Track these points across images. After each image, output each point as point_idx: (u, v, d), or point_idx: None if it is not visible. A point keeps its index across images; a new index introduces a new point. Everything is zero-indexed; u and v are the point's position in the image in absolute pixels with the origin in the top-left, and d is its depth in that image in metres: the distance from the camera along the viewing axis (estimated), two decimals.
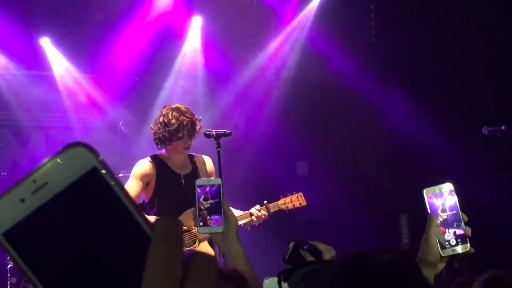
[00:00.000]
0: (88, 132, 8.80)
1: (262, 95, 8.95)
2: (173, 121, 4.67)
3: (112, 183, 0.65)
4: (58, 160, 0.65)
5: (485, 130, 5.88)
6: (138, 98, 8.85)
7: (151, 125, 4.85)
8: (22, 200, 0.63)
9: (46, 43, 8.56)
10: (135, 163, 7.71)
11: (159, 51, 8.70)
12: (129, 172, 7.18)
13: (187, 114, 4.70)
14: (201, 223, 2.09)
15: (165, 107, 4.85)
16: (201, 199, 2.10)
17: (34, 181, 0.64)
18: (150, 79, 8.88)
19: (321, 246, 2.05)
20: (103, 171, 0.66)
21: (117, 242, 0.64)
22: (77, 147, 0.66)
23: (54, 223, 0.64)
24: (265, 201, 4.82)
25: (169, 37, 8.77)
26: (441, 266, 1.93)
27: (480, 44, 7.78)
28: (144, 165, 4.82)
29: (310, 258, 2.03)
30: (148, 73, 8.86)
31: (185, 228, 4.69)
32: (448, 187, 1.96)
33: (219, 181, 2.14)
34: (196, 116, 4.78)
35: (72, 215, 0.64)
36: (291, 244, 2.16)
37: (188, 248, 4.67)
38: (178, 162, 4.82)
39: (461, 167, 7.35)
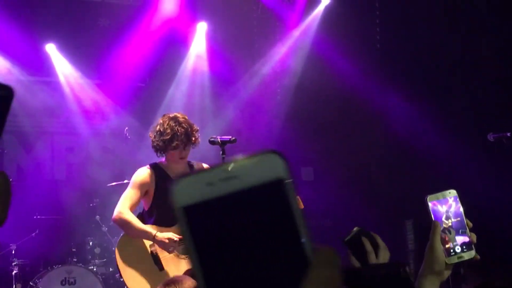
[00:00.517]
0: (93, 137, 8.81)
1: (267, 101, 8.96)
2: (168, 130, 4.67)
3: (292, 199, 0.69)
4: (253, 160, 0.69)
5: (490, 137, 5.86)
6: (143, 104, 8.86)
7: (149, 133, 4.85)
8: (210, 184, 0.69)
9: (51, 49, 8.59)
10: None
11: (164, 57, 8.72)
12: None
13: (183, 125, 4.69)
14: None
15: (163, 116, 4.85)
16: None
17: (226, 170, 0.69)
18: (155, 85, 8.90)
19: (380, 242, 2.04)
20: (288, 184, 0.69)
21: (277, 253, 0.68)
22: (274, 154, 0.70)
23: (230, 215, 0.68)
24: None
25: (174, 43, 8.79)
26: (447, 273, 1.91)
27: (486, 50, 7.77)
28: (142, 174, 4.83)
29: (369, 247, 2.01)
30: (153, 79, 8.88)
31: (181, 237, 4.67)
32: (452, 193, 1.95)
33: None
34: (194, 126, 4.76)
35: (247, 214, 0.68)
36: (355, 229, 2.15)
37: (185, 256, 4.65)
38: (177, 170, 4.80)
39: (467, 174, 7.33)
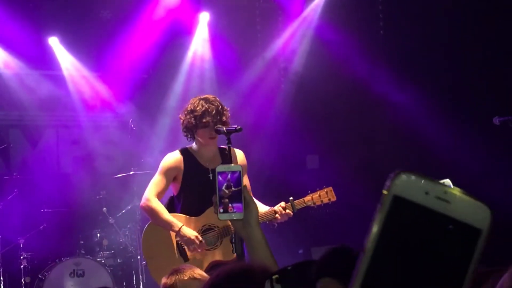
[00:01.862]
0: (98, 130, 8.83)
1: (271, 90, 8.94)
2: (199, 107, 4.65)
3: (478, 253, 0.74)
4: (469, 199, 0.74)
5: (496, 120, 5.84)
6: (147, 95, 8.87)
7: (180, 115, 4.82)
8: (426, 193, 0.74)
9: (54, 42, 8.59)
10: (145, 161, 7.78)
11: (167, 48, 8.71)
12: (140, 170, 7.25)
13: (214, 103, 4.68)
14: (221, 210, 2.08)
15: (194, 97, 4.85)
16: (223, 187, 2.08)
17: (445, 192, 0.74)
18: (159, 76, 8.89)
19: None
20: (485, 239, 0.74)
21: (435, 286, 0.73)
22: (489, 209, 0.75)
23: (425, 231, 0.73)
24: (291, 198, 4.67)
25: (177, 33, 8.78)
26: None
27: (491, 33, 7.74)
28: (170, 159, 4.77)
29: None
30: (157, 70, 8.87)
31: (208, 226, 4.67)
32: (446, 183, 1.97)
33: (239, 167, 2.12)
34: (225, 107, 4.75)
35: (438, 240, 0.73)
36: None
37: (211, 247, 4.65)
38: (207, 156, 4.75)
39: (472, 158, 7.32)
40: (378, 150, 8.44)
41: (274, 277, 1.65)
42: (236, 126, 4.63)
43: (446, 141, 7.77)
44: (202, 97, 4.78)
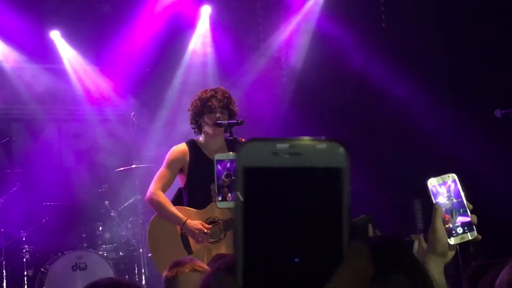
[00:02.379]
0: (99, 123, 8.83)
1: (273, 83, 8.94)
2: (206, 94, 4.69)
3: (345, 190, 0.72)
4: (319, 143, 0.73)
5: (498, 113, 5.83)
6: (149, 88, 8.87)
7: (188, 107, 4.82)
8: (275, 153, 0.71)
9: (56, 36, 8.59)
10: (147, 154, 7.79)
11: (168, 41, 8.70)
12: (141, 164, 7.26)
13: (222, 91, 4.72)
14: (219, 198, 2.08)
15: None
16: (222, 176, 2.08)
17: (293, 145, 0.71)
18: (160, 69, 8.88)
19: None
20: (346, 176, 0.72)
21: (316, 238, 0.70)
22: (338, 144, 0.73)
23: (285, 188, 0.70)
24: None
25: (178, 27, 8.77)
26: (451, 254, 1.94)
27: (493, 25, 7.71)
28: (175, 151, 4.79)
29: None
30: (158, 63, 8.86)
31: (212, 219, 4.68)
32: (451, 177, 1.99)
33: None
34: (233, 98, 4.76)
35: (301, 192, 0.70)
36: (364, 216, 2.17)
37: (213, 240, 4.65)
38: (213, 148, 4.71)
39: (473, 150, 7.31)
40: (379, 144, 8.44)
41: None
42: (237, 119, 4.63)
43: (447, 135, 7.76)
44: (211, 87, 4.83)
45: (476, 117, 7.50)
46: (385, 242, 1.07)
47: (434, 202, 1.96)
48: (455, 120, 7.73)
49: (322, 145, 0.72)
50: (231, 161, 2.08)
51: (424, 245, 2.03)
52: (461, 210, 1.96)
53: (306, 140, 0.72)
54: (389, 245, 1.04)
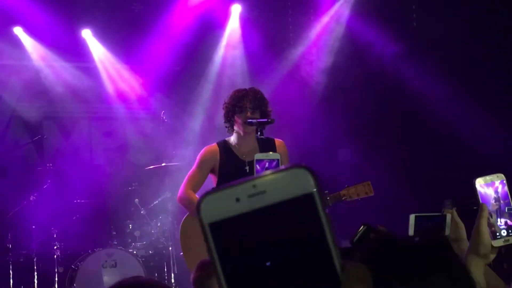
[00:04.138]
0: (130, 122, 8.88)
1: (302, 83, 8.89)
2: (238, 93, 4.69)
3: (322, 214, 0.68)
4: (282, 175, 0.68)
5: None
6: (179, 87, 8.89)
7: (222, 106, 4.81)
8: (237, 200, 0.68)
9: (87, 34, 8.66)
10: (177, 153, 7.81)
11: (198, 40, 8.71)
12: (171, 162, 7.28)
13: (254, 91, 4.70)
14: None
15: None
16: None
17: (254, 186, 0.68)
18: (190, 68, 8.90)
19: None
20: (318, 199, 0.68)
21: (306, 269, 0.67)
22: (302, 169, 0.69)
23: (257, 230, 0.67)
24: (326, 191, 4.63)
25: (208, 25, 8.77)
26: (492, 256, 1.90)
27: None
28: (206, 151, 4.80)
29: None
30: (189, 62, 8.88)
31: None
32: (499, 177, 1.93)
33: (278, 155, 2.08)
34: (266, 99, 4.73)
35: (276, 229, 0.67)
36: (362, 228, 2.12)
37: None
38: (245, 148, 4.73)
39: (509, 154, 7.20)
40: (412, 145, 8.34)
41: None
42: (268, 118, 4.60)
43: (483, 136, 7.64)
44: (245, 87, 4.82)
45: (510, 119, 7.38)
46: (427, 242, 1.03)
47: (481, 203, 1.90)
48: (491, 121, 7.61)
49: (286, 174, 0.68)
50: (270, 161, 2.05)
51: (458, 219, 1.99)
52: (507, 212, 1.91)
53: (267, 175, 0.69)
54: (431, 245, 1.01)
